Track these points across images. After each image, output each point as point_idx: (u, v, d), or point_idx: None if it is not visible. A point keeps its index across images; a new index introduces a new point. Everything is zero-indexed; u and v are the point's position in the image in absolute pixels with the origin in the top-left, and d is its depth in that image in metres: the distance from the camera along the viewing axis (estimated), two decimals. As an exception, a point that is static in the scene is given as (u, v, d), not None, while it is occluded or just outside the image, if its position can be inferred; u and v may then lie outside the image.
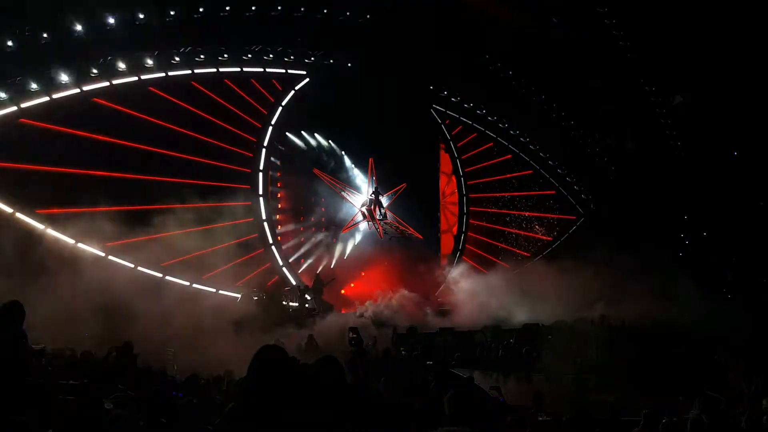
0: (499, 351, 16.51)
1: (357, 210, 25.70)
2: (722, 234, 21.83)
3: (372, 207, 25.51)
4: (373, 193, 25.56)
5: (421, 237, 26.09)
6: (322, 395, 3.72)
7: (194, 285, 19.00)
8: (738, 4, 18.78)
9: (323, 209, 25.38)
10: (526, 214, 27.48)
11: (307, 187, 24.51)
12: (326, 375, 3.89)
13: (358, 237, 25.74)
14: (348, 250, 25.28)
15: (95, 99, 17.75)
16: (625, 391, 11.58)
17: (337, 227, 25.25)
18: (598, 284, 19.36)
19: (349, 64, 23.79)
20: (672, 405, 8.49)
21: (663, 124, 22.74)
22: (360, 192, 25.89)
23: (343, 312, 21.94)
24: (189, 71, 20.11)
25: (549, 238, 26.92)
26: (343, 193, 25.51)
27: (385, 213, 25.80)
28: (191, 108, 19.72)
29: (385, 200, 25.87)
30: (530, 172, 27.44)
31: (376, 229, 25.53)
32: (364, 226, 25.76)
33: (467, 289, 22.96)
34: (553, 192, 27.23)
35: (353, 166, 25.80)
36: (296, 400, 3.42)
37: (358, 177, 25.99)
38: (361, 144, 24.71)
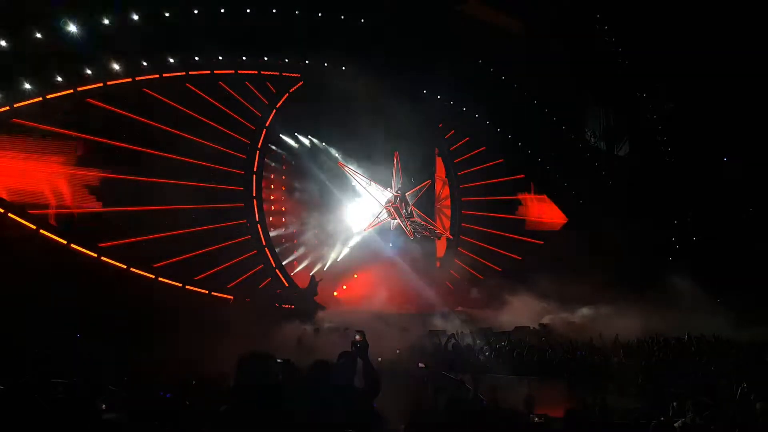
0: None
1: (382, 207, 25.17)
2: (713, 239, 21.99)
3: (398, 204, 24.93)
4: (399, 189, 24.96)
5: (451, 236, 25.67)
6: (312, 398, 3.72)
7: (186, 286, 18.94)
8: (729, 10, 19.01)
9: (322, 209, 25.18)
10: (517, 217, 27.53)
11: (304, 188, 24.41)
12: (318, 379, 3.88)
13: (352, 240, 25.56)
14: (342, 253, 25.12)
15: (89, 100, 17.71)
16: (620, 393, 11.62)
17: (335, 228, 24.98)
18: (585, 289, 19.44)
19: (344, 68, 23.78)
20: (664, 409, 8.54)
21: (654, 130, 22.93)
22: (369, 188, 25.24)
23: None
24: (183, 73, 20.06)
25: (540, 242, 26.95)
26: (368, 188, 24.91)
27: (411, 211, 25.24)
28: (185, 109, 19.64)
29: (410, 198, 25.35)
30: (522, 176, 27.51)
31: (405, 227, 25.00)
32: (360, 226, 25.49)
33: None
34: (544, 196, 27.30)
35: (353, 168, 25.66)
36: (285, 402, 3.43)
37: (352, 181, 25.82)
38: (356, 147, 24.63)
